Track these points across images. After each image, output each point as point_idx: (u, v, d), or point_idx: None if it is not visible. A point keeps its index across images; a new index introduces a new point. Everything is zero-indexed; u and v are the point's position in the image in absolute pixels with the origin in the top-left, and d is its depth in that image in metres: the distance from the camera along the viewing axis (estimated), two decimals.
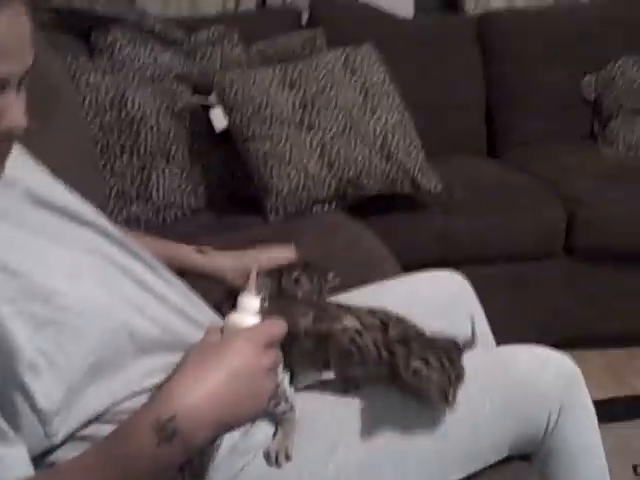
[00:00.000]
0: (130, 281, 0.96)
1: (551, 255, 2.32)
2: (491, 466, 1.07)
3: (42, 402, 0.80)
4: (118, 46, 2.30)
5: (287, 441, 0.99)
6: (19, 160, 0.92)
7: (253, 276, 0.93)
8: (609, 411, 1.96)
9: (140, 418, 0.79)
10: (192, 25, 2.58)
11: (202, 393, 0.80)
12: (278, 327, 0.88)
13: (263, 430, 1.00)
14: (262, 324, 0.89)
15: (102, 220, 1.02)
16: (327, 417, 1.05)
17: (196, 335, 0.92)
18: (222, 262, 1.32)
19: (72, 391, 0.83)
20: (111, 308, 0.89)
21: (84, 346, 0.84)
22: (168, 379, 0.83)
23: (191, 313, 1.02)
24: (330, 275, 1.30)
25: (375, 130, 2.16)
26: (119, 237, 1.01)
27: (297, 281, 1.26)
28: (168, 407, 0.78)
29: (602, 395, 2.06)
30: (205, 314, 1.07)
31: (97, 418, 0.86)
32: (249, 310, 0.90)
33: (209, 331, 0.90)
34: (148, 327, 0.93)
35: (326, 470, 0.98)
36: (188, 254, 1.34)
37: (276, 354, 0.88)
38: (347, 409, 1.05)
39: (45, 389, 0.81)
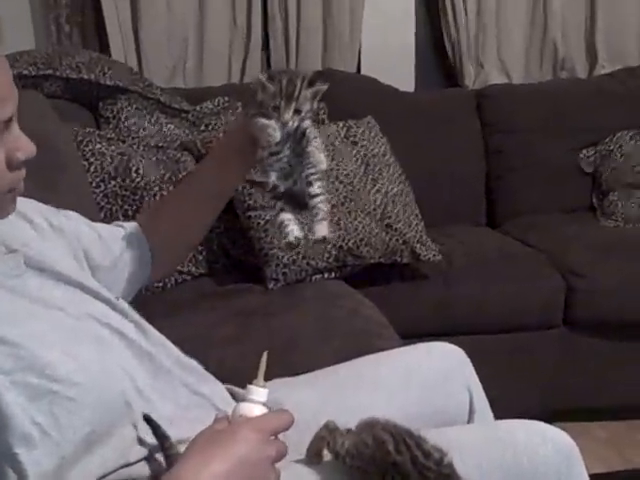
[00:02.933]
0: (126, 347, 0.97)
1: (550, 326, 2.32)
2: None
3: (31, 474, 0.80)
4: (124, 115, 2.35)
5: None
6: (16, 224, 0.95)
7: (262, 366, 0.94)
8: None
9: None
10: (197, 96, 2.63)
11: (207, 478, 0.82)
12: (285, 419, 0.91)
13: None
14: (269, 414, 0.91)
15: (92, 282, 1.04)
16: None
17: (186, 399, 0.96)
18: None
19: (65, 462, 0.83)
20: (108, 378, 0.89)
21: (80, 417, 0.84)
22: (177, 464, 0.85)
23: (182, 376, 1.04)
24: (311, 81, 1.12)
25: (375, 201, 2.19)
26: (110, 298, 1.03)
27: (263, 87, 1.08)
28: None
29: (602, 468, 2.04)
30: (195, 377, 1.09)
31: None
32: (257, 400, 0.92)
33: (217, 419, 0.92)
34: (144, 394, 0.94)
35: None
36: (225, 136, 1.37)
37: (281, 445, 0.90)
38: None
39: (36, 461, 0.80)
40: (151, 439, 0.92)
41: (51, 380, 0.83)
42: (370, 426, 1.03)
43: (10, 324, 0.84)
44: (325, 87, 1.10)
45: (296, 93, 1.06)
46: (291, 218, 1.08)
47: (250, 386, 0.93)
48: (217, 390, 1.12)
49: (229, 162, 1.19)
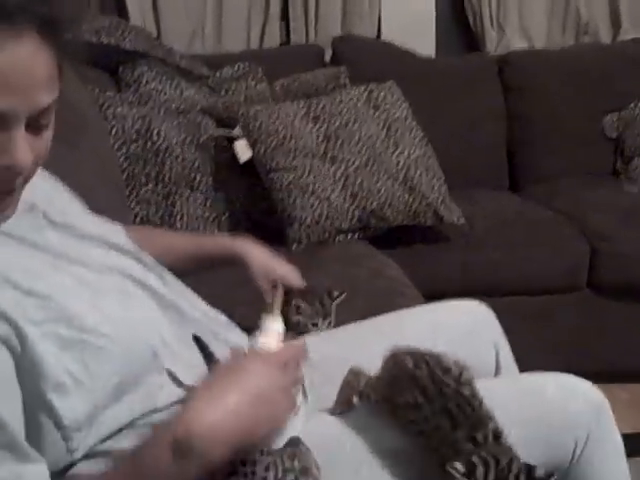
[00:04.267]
0: (149, 297, 0.97)
1: (574, 289, 2.31)
2: None
3: (67, 420, 0.81)
4: (145, 80, 2.35)
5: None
6: (37, 184, 0.93)
7: (278, 298, 0.98)
8: (634, 446, 1.92)
9: (159, 435, 0.82)
10: (217, 62, 2.62)
11: (220, 412, 0.82)
12: (296, 347, 0.93)
13: None
14: (283, 346, 0.93)
15: (116, 236, 1.04)
16: (349, 439, 1.03)
17: (215, 348, 0.95)
18: (252, 251, 1.33)
19: (97, 409, 0.84)
20: (134, 330, 0.90)
21: (109, 367, 0.85)
22: (189, 398, 0.85)
23: (209, 325, 1.04)
24: (335, 293, 1.35)
25: (398, 163, 2.18)
26: (134, 251, 1.03)
27: (298, 308, 1.29)
28: (186, 426, 0.81)
29: (625, 429, 2.02)
30: (222, 326, 1.09)
31: (115, 433, 0.87)
32: (272, 333, 0.94)
33: (233, 354, 0.93)
34: (169, 344, 0.94)
35: None
36: (215, 239, 1.37)
37: (295, 373, 0.91)
38: (367, 432, 1.04)
39: (70, 407, 0.81)
40: (176, 387, 0.92)
41: (80, 330, 0.83)
42: (392, 354, 1.04)
43: (37, 277, 0.84)
44: (344, 295, 1.34)
45: (328, 311, 1.31)
46: None
47: (265, 316, 0.95)
48: (244, 339, 1.12)
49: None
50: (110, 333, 0.86)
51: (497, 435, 0.94)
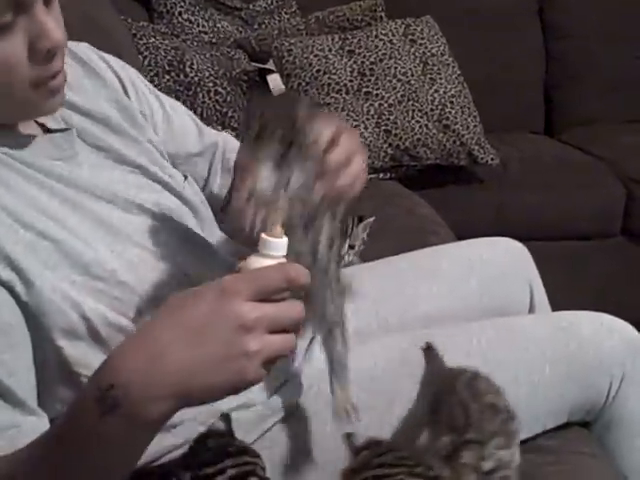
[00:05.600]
0: (179, 238, 0.93)
1: (608, 235, 2.29)
2: (549, 431, 1.05)
3: (78, 366, 0.79)
4: (178, 10, 2.31)
5: (347, 394, 0.89)
6: (77, 81, 0.91)
7: (282, 212, 0.73)
8: None
9: (86, 389, 0.67)
10: None
11: (149, 356, 0.63)
12: (289, 271, 0.66)
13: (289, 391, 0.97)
14: (264, 268, 0.67)
15: (154, 157, 0.99)
16: (382, 372, 1.03)
17: None
18: None
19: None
20: (155, 276, 0.86)
21: (125, 317, 0.82)
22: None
23: (234, 262, 0.99)
24: (363, 218, 1.32)
25: (433, 100, 2.14)
26: (168, 181, 0.97)
27: None
28: (109, 373, 0.64)
29: None
30: None
31: None
32: (270, 254, 0.68)
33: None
34: (195, 283, 0.87)
35: (381, 429, 0.96)
36: None
37: (274, 308, 0.65)
38: (401, 364, 1.02)
39: (83, 353, 0.79)
40: None
41: (96, 279, 0.80)
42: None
43: (54, 219, 0.80)
44: (372, 219, 1.23)
45: (349, 231, 1.18)
46: None
47: (264, 236, 0.68)
48: None
49: None
50: (128, 280, 0.82)
51: None
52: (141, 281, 0.84)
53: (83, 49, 1.00)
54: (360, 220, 1.26)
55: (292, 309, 0.66)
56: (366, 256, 1.40)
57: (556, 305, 1.37)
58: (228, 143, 1.16)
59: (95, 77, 0.98)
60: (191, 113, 1.16)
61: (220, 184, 1.14)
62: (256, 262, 0.68)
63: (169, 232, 0.92)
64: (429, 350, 0.99)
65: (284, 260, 0.68)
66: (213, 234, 1.02)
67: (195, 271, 0.91)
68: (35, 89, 0.77)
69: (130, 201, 0.90)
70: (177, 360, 0.63)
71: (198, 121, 1.15)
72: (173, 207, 0.96)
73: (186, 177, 1.05)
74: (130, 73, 1.05)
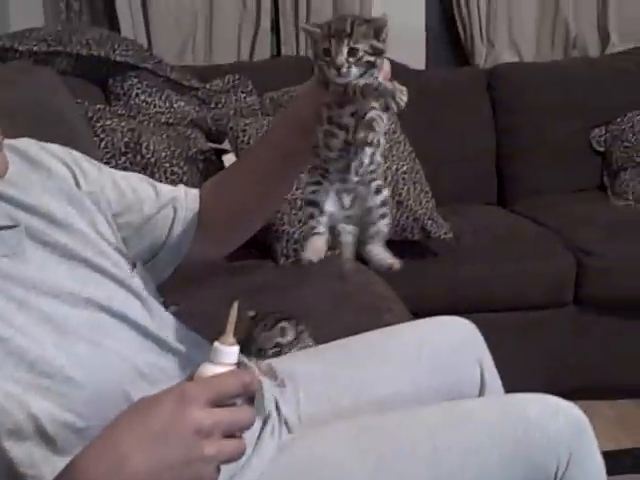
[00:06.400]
0: (129, 329, 0.93)
1: (561, 304, 2.32)
2: None
3: (22, 467, 0.78)
4: (134, 92, 2.35)
5: None
6: (26, 180, 0.92)
7: (232, 319, 0.76)
8: (618, 463, 1.93)
9: None
10: (207, 74, 2.63)
11: (111, 461, 0.66)
12: (238, 381, 0.71)
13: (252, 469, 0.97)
14: (221, 375, 0.72)
15: (105, 251, 0.99)
16: (332, 461, 1.02)
17: None
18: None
19: (56, 454, 0.79)
20: (104, 370, 0.85)
21: (73, 413, 0.80)
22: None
23: (189, 354, 0.99)
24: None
25: (386, 177, 2.19)
26: (116, 274, 0.97)
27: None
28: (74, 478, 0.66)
29: (611, 447, 2.04)
30: (204, 353, 1.04)
31: None
32: (223, 362, 0.73)
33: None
34: (147, 388, 0.85)
35: None
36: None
37: (229, 415, 0.70)
38: (351, 452, 1.03)
39: (28, 453, 0.78)
40: None
41: (43, 376, 0.79)
42: None
43: (0, 318, 0.81)
44: (387, 19, 0.89)
45: (347, 29, 0.87)
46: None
47: (216, 344, 0.73)
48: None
49: (302, 118, 1.00)
50: (76, 376, 0.82)
51: None
52: (89, 376, 0.83)
53: (25, 144, 1.01)
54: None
55: (245, 415, 0.71)
56: (320, 337, 1.42)
57: (511, 377, 1.38)
58: (188, 194, 1.16)
59: (40, 170, 0.99)
60: (146, 177, 1.16)
61: (180, 235, 1.13)
62: (210, 370, 0.72)
63: (117, 325, 0.92)
64: None
65: (235, 367, 0.73)
66: (162, 323, 1.01)
67: (144, 362, 0.91)
68: None
69: (77, 295, 0.90)
70: (139, 465, 0.65)
71: (155, 183, 1.15)
72: (121, 299, 0.96)
73: (134, 265, 1.05)
74: (76, 157, 1.06)
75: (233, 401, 0.71)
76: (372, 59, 0.89)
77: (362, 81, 0.88)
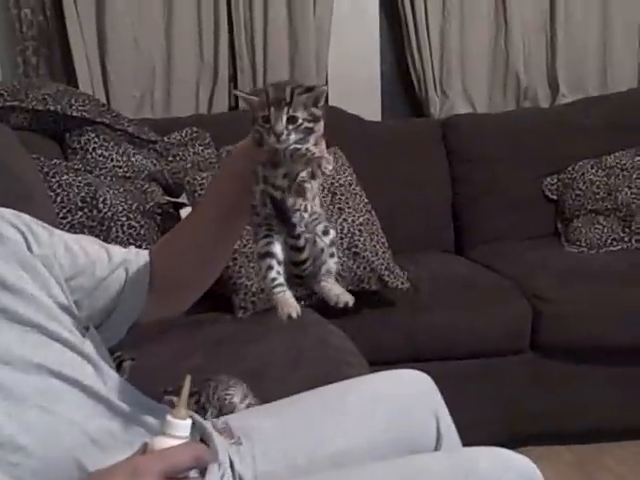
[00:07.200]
0: (80, 393, 0.93)
1: (518, 351, 2.34)
2: None
3: None
4: (92, 146, 2.36)
5: None
6: None
7: (184, 394, 0.79)
8: None
9: None
10: (165, 126, 2.65)
11: None
12: (190, 454, 0.74)
13: None
14: (174, 448, 0.76)
15: (56, 316, 0.98)
16: None
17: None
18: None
19: None
20: (54, 437, 0.85)
21: None
22: None
23: (140, 419, 0.98)
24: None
25: (342, 230, 2.21)
26: (68, 339, 0.97)
27: None
28: None
29: None
30: (156, 417, 1.02)
31: None
32: (174, 432, 0.77)
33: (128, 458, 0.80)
34: (98, 454, 0.86)
35: None
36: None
37: None
38: None
39: None
40: None
41: None
42: None
43: None
44: (325, 88, 0.94)
45: (287, 98, 0.90)
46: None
47: (169, 417, 0.77)
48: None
49: (238, 174, 1.04)
50: (26, 445, 0.81)
51: None
52: (39, 443, 0.83)
53: None
54: (308, 91, 0.94)
55: None
56: (277, 391, 1.41)
57: (468, 425, 1.39)
58: (139, 254, 1.17)
59: None
60: (97, 240, 1.16)
61: (133, 295, 1.13)
62: (163, 443, 0.75)
63: (68, 390, 0.91)
64: None
65: (188, 440, 0.76)
66: (113, 387, 1.00)
67: (94, 428, 0.90)
68: None
69: (27, 361, 0.89)
70: None
71: (107, 245, 1.15)
72: (72, 364, 0.95)
73: (88, 328, 1.04)
74: (26, 221, 1.05)
75: (185, 474, 0.73)
76: (310, 125, 0.92)
77: (292, 145, 0.91)
